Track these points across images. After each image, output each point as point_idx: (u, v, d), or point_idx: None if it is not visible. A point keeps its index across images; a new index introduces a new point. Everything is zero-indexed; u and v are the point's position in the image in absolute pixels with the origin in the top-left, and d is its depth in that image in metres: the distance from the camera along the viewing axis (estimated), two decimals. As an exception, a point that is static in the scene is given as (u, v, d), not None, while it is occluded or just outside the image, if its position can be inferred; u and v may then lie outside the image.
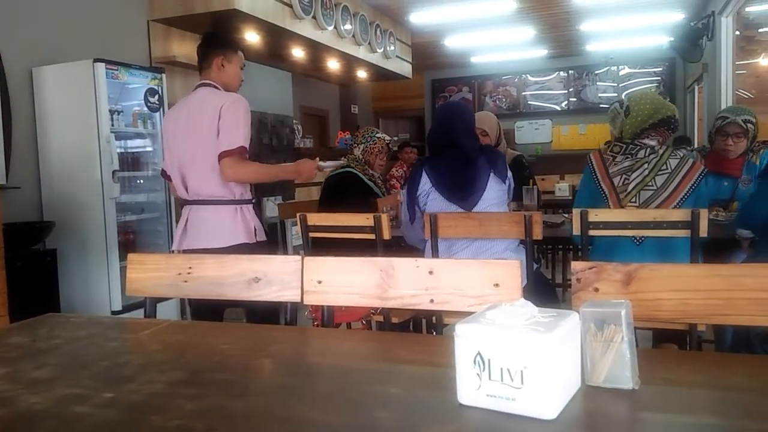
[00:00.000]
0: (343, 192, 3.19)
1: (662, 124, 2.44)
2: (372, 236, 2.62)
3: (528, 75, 9.89)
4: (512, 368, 0.79)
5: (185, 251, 2.47)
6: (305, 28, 5.41)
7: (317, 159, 2.69)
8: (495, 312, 0.86)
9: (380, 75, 7.81)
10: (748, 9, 6.06)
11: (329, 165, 2.80)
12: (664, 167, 2.38)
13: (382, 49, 6.92)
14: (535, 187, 3.31)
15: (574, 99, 9.69)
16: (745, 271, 1.24)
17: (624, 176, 2.42)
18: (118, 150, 3.79)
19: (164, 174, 2.64)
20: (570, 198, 5.09)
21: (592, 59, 9.33)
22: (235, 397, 0.91)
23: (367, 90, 10.26)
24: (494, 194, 2.52)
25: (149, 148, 4.22)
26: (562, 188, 5.83)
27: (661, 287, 1.22)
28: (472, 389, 0.82)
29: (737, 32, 6.05)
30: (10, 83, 3.64)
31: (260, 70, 6.15)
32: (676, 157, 2.39)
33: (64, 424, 0.85)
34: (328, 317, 1.63)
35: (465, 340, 0.83)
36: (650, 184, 2.38)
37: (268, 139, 6.50)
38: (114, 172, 3.69)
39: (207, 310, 2.31)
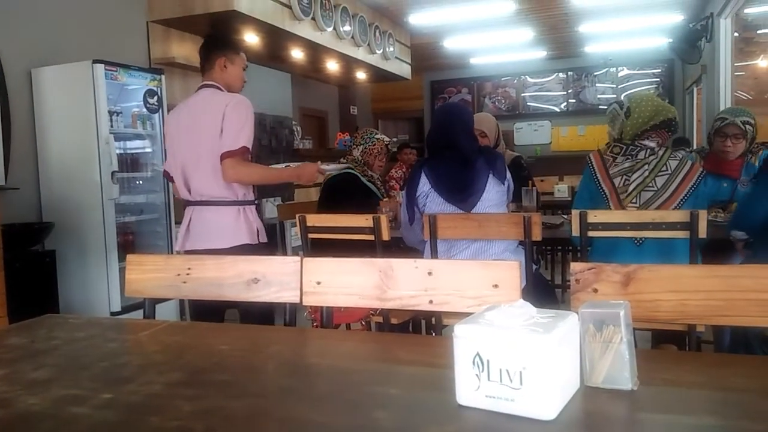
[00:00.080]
0: (343, 193, 3.19)
1: (663, 126, 2.45)
2: (371, 237, 2.62)
3: (527, 76, 9.90)
4: (511, 369, 0.79)
5: (188, 252, 2.46)
6: (304, 30, 5.42)
7: (319, 162, 2.68)
8: (494, 313, 0.86)
9: (379, 76, 7.82)
10: (746, 11, 6.07)
11: (331, 168, 2.79)
12: (664, 168, 2.39)
13: (381, 51, 6.92)
14: (534, 188, 3.31)
15: (573, 100, 9.70)
16: (743, 272, 1.24)
17: (624, 177, 2.43)
18: (117, 151, 3.79)
19: (167, 175, 2.63)
20: (569, 199, 5.10)
21: (591, 60, 9.34)
22: (234, 398, 0.91)
23: (367, 91, 10.26)
24: (493, 195, 2.53)
25: (148, 149, 4.21)
26: (561, 189, 5.83)
27: (660, 288, 1.23)
28: (471, 390, 0.82)
29: (736, 34, 6.06)
30: (9, 84, 3.64)
31: (259, 71, 6.15)
32: (676, 159, 2.40)
33: (63, 425, 0.84)
34: (327, 318, 1.63)
35: (464, 340, 0.83)
36: (651, 185, 2.39)
37: (267, 140, 6.51)
38: (113, 173, 3.68)
39: (208, 311, 2.30)
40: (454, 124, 2.58)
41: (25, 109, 3.77)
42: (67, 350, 1.20)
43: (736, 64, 6.06)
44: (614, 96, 9.24)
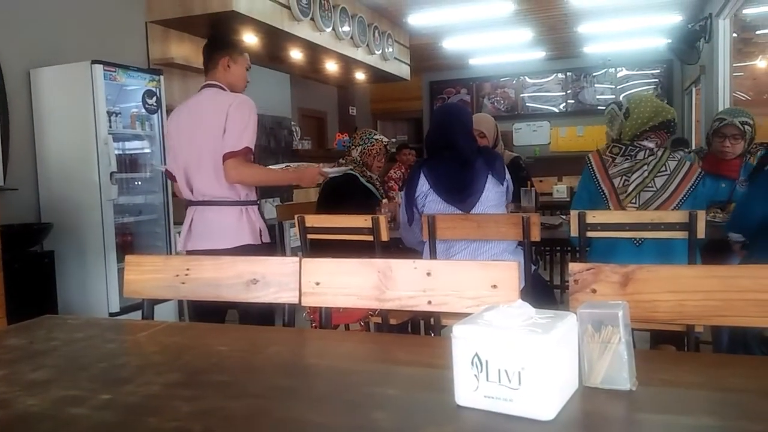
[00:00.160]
0: (342, 194, 3.19)
1: (662, 127, 2.46)
2: (370, 238, 2.62)
3: (526, 77, 9.90)
4: (510, 369, 0.79)
5: (190, 252, 2.45)
6: (303, 30, 5.42)
7: (320, 165, 2.67)
8: (492, 313, 0.86)
9: (378, 77, 7.82)
10: (745, 11, 6.07)
11: (333, 171, 2.79)
12: (663, 169, 2.39)
13: (380, 51, 6.92)
14: (532, 188, 3.31)
15: (572, 101, 9.70)
16: (742, 272, 1.24)
17: (624, 177, 2.43)
18: (116, 152, 3.78)
19: (168, 174, 2.62)
20: (568, 200, 5.10)
21: (589, 61, 9.34)
22: (232, 399, 0.91)
23: (366, 92, 10.27)
24: (492, 196, 2.53)
25: (147, 150, 4.21)
26: (559, 190, 5.84)
27: (659, 288, 1.23)
28: (469, 390, 0.82)
29: (734, 34, 6.06)
30: (8, 85, 3.64)
31: (258, 72, 6.14)
32: (675, 159, 2.41)
33: (61, 426, 0.84)
34: (326, 319, 1.63)
35: (462, 341, 0.83)
36: (650, 185, 2.39)
37: (266, 141, 6.51)
38: (112, 173, 3.68)
39: (209, 312, 2.29)
40: (453, 124, 2.59)
41: (23, 109, 3.76)
42: (65, 351, 1.20)
43: (734, 65, 6.07)
44: (613, 96, 9.24)
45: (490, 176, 2.52)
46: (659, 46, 8.10)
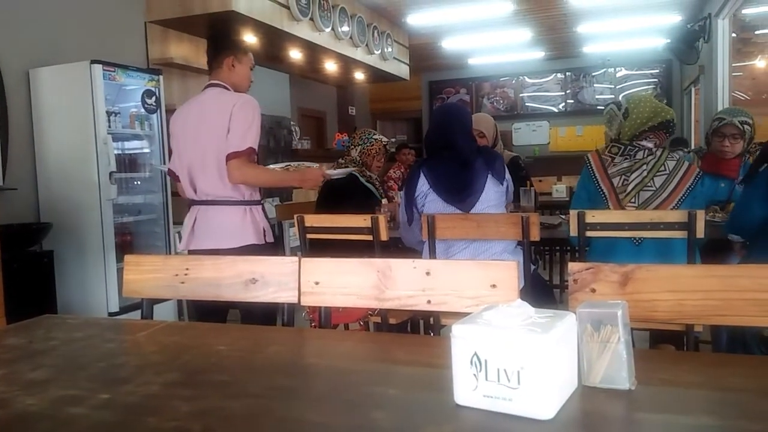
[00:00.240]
0: (341, 193, 3.19)
1: (661, 128, 2.46)
2: (369, 237, 2.62)
3: (525, 77, 9.90)
4: (509, 369, 0.79)
5: (193, 252, 2.44)
6: (303, 30, 5.41)
7: (323, 168, 2.67)
8: (492, 313, 0.86)
9: (378, 76, 7.82)
10: (744, 11, 6.08)
11: (336, 174, 2.78)
12: (662, 168, 2.40)
13: (379, 51, 6.92)
14: (532, 188, 3.31)
15: (572, 101, 9.71)
16: (741, 271, 1.24)
17: (623, 177, 2.43)
18: (115, 151, 3.78)
19: (171, 174, 2.60)
20: (567, 199, 5.10)
21: (589, 61, 9.35)
22: (232, 398, 0.91)
23: (365, 91, 10.26)
24: (492, 196, 2.53)
25: (146, 150, 4.21)
26: (559, 190, 5.85)
27: (658, 288, 1.23)
28: (468, 390, 0.82)
29: (733, 34, 6.07)
30: (7, 84, 3.64)
31: (258, 72, 6.07)
32: (673, 159, 2.42)
33: (60, 426, 0.84)
34: (325, 318, 1.63)
35: (461, 340, 0.83)
36: (649, 184, 2.40)
37: (266, 141, 6.50)
38: (111, 173, 3.68)
39: (210, 312, 2.28)
40: (452, 124, 2.58)
41: (22, 109, 3.76)
42: (64, 351, 1.20)
43: (733, 65, 6.07)
44: (612, 96, 9.25)
45: (489, 176, 2.51)
46: (658, 46, 8.10)
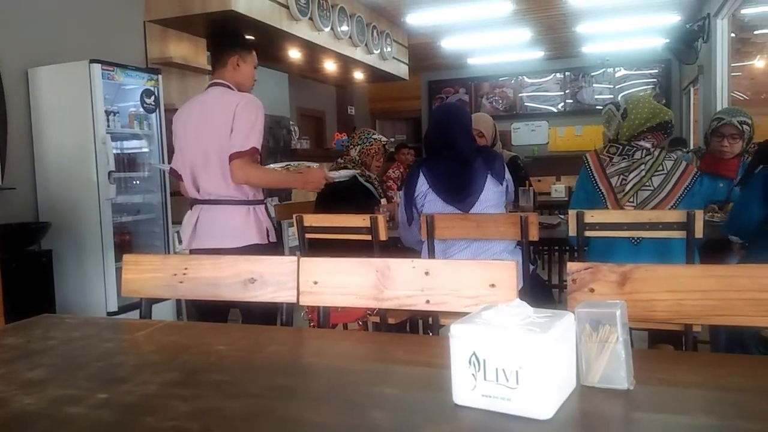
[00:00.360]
0: (340, 193, 3.19)
1: (659, 128, 2.47)
2: (368, 237, 2.62)
3: (524, 77, 9.91)
4: (507, 368, 0.79)
5: (195, 251, 2.44)
6: (302, 30, 5.41)
7: (325, 170, 2.66)
8: (490, 312, 0.86)
9: (377, 76, 7.82)
10: (743, 11, 6.08)
11: (339, 176, 2.78)
12: (660, 168, 2.40)
13: (378, 51, 6.92)
14: (531, 188, 3.32)
15: (571, 101, 9.71)
16: (739, 271, 1.24)
17: (621, 176, 2.44)
18: (114, 151, 3.78)
19: (174, 173, 2.58)
20: (566, 199, 5.10)
21: (588, 61, 9.35)
22: (230, 398, 0.91)
23: (364, 91, 10.26)
24: (491, 196, 2.52)
25: (145, 149, 4.21)
26: (558, 189, 5.85)
27: (656, 288, 1.23)
28: (467, 389, 0.82)
29: (732, 34, 6.07)
30: (6, 84, 3.63)
31: (257, 71, 6.14)
32: (671, 159, 2.42)
33: (58, 425, 0.84)
34: (324, 318, 1.63)
35: (460, 340, 0.83)
36: (647, 184, 2.40)
37: (265, 140, 6.49)
38: (110, 173, 3.68)
39: (211, 311, 2.27)
40: (452, 124, 2.58)
41: (21, 108, 3.76)
42: (63, 350, 1.20)
43: (732, 65, 6.08)
44: (611, 96, 9.25)
45: (489, 176, 2.51)
46: (657, 46, 8.10)
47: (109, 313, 3.68)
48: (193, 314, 2.64)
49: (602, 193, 2.46)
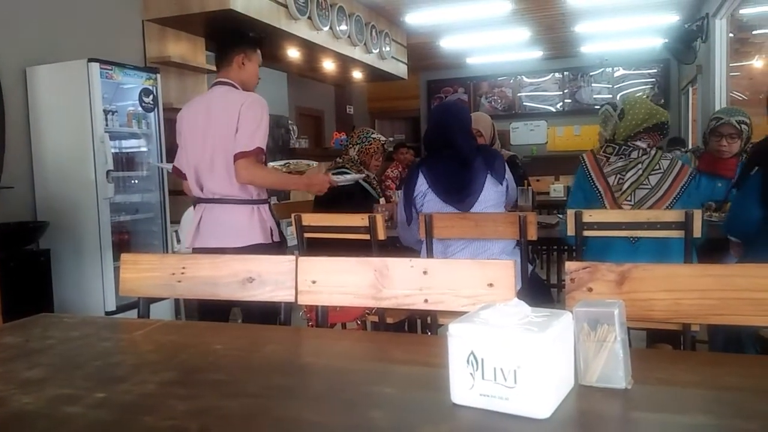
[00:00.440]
0: (339, 193, 3.18)
1: (655, 129, 2.47)
2: (367, 236, 2.62)
3: (523, 76, 9.91)
4: (505, 368, 0.79)
5: (197, 250, 2.42)
6: (301, 29, 5.41)
7: (329, 174, 2.65)
8: (488, 312, 0.86)
9: (376, 75, 7.81)
10: (742, 11, 6.09)
11: (343, 180, 2.77)
12: (657, 167, 2.41)
13: (377, 50, 6.92)
14: (529, 187, 3.31)
15: (569, 100, 9.71)
16: (737, 271, 1.24)
17: (619, 176, 2.44)
18: (113, 150, 3.77)
19: (177, 171, 2.57)
20: (565, 199, 5.09)
21: (586, 61, 9.35)
22: (229, 398, 0.90)
23: (363, 90, 10.26)
24: (491, 195, 2.52)
25: (144, 149, 4.20)
26: (556, 189, 5.85)
27: (655, 287, 1.23)
28: (465, 389, 0.82)
29: (731, 34, 6.08)
30: (4, 83, 3.63)
31: (256, 71, 6.14)
32: (667, 158, 2.44)
33: (56, 425, 0.84)
34: (322, 317, 1.63)
35: (458, 339, 0.83)
36: (645, 183, 2.41)
37: (264, 140, 6.50)
38: (108, 172, 3.67)
39: (212, 310, 2.25)
40: (451, 123, 2.58)
41: (19, 107, 3.75)
42: (61, 349, 1.20)
43: (731, 65, 6.08)
44: (610, 96, 9.26)
45: (489, 176, 2.51)
46: (656, 45, 8.10)
47: (108, 313, 3.68)
48: (195, 313, 2.63)
49: (599, 192, 2.46)
